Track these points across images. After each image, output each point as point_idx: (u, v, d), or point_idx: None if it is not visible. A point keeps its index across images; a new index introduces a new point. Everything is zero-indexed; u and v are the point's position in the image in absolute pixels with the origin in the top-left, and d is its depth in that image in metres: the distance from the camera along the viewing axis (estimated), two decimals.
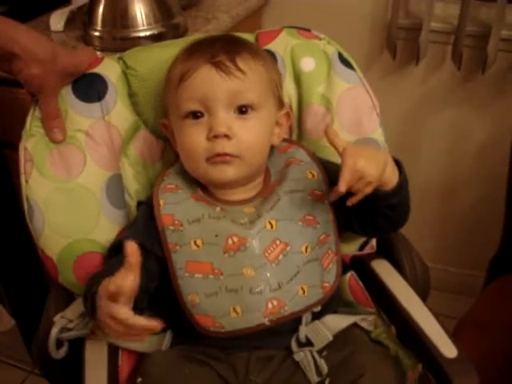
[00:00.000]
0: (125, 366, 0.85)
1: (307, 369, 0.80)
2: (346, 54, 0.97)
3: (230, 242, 0.80)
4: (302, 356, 0.81)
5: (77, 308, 0.85)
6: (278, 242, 0.81)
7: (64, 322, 0.82)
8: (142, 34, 1.26)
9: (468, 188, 1.74)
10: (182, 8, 1.35)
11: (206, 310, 0.80)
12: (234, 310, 0.79)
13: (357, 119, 0.94)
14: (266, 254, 0.80)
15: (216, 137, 0.80)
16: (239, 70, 0.81)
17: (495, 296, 1.27)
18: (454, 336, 0.79)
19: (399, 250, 0.93)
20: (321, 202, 0.86)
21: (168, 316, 0.84)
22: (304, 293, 0.81)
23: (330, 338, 0.82)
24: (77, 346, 0.83)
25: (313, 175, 0.88)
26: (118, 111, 0.91)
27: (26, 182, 0.86)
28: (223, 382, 0.79)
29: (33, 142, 0.87)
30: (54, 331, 0.81)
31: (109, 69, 0.92)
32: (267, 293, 0.80)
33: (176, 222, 0.82)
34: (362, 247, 0.96)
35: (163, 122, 0.89)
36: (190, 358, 0.80)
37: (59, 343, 0.82)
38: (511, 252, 1.33)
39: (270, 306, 0.79)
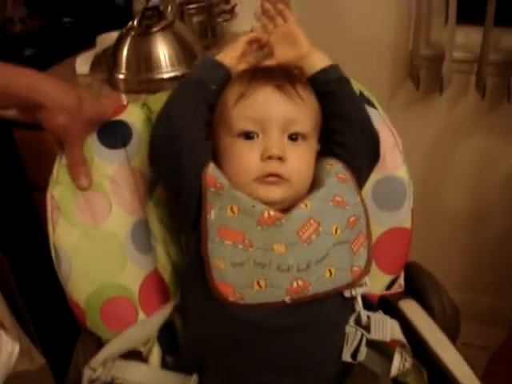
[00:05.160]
0: None
1: (347, 342, 0.81)
2: (367, 93, 0.98)
3: (265, 215, 0.78)
4: (352, 330, 0.82)
5: (100, 356, 0.84)
6: (312, 222, 0.79)
7: (90, 373, 0.82)
8: (165, 76, 1.28)
9: (496, 218, 1.71)
10: (204, 48, 1.37)
11: (229, 278, 0.78)
12: (258, 283, 0.77)
13: (380, 157, 0.93)
14: (300, 233, 0.78)
15: (270, 158, 0.80)
16: (299, 96, 0.83)
17: None
18: (488, 370, 0.77)
19: (428, 290, 0.91)
20: (346, 185, 0.85)
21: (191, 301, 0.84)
22: (331, 275, 0.79)
23: (387, 339, 0.82)
24: None
25: (334, 163, 0.87)
26: (142, 156, 0.92)
27: (54, 229, 0.87)
28: None
29: (59, 189, 0.88)
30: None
31: (133, 115, 0.94)
32: (294, 271, 0.78)
33: (218, 185, 0.81)
34: (389, 287, 0.95)
35: None
36: None
37: None
38: None
39: (294, 284, 0.77)
